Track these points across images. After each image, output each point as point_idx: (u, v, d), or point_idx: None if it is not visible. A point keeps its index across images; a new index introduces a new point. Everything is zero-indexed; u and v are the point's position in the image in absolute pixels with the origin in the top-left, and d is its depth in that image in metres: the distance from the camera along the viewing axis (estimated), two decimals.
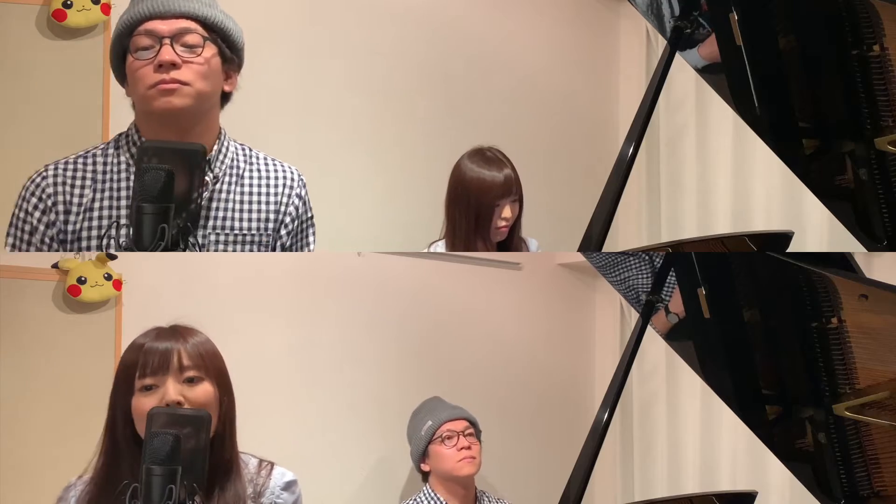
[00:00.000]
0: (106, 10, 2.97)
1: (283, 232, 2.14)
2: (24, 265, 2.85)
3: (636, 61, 4.02)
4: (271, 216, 2.13)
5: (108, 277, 2.91)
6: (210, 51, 2.02)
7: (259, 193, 2.13)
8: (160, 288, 2.97)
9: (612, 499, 3.96)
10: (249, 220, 2.10)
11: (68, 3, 2.94)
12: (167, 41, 1.98)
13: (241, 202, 2.11)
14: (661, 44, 3.70)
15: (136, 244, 1.73)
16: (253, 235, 2.10)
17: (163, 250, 1.72)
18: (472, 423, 3.07)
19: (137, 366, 1.77)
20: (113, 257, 2.90)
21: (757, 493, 2.84)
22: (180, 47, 1.99)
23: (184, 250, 1.77)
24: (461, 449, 2.99)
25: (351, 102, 3.48)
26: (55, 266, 2.89)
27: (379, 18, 3.53)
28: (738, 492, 3.16)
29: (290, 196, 2.15)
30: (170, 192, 1.73)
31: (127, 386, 1.78)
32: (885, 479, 2.09)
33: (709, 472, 3.69)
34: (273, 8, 3.32)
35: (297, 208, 2.16)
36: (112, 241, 2.01)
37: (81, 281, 2.88)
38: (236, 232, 2.08)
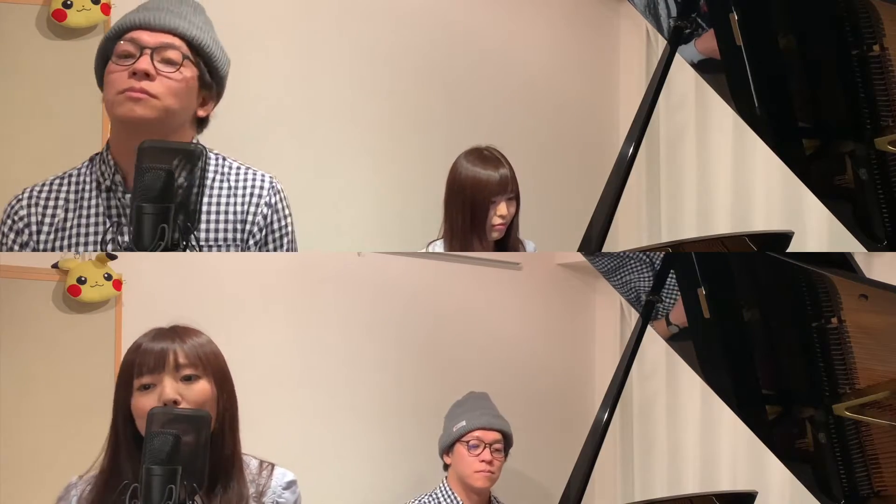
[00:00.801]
0: (106, 10, 2.97)
1: (250, 242, 2.12)
2: (24, 265, 2.85)
3: (636, 61, 4.02)
4: (238, 226, 2.11)
5: (108, 277, 2.91)
6: (189, 71, 2.02)
7: (227, 204, 2.11)
8: (160, 288, 2.97)
9: (612, 499, 3.96)
10: (216, 230, 2.09)
11: (68, 3, 2.94)
12: (147, 52, 1.98)
13: (208, 212, 2.10)
14: (661, 44, 3.70)
15: (136, 244, 1.73)
16: (220, 246, 2.09)
17: (163, 250, 1.72)
18: (505, 437, 3.08)
19: (135, 365, 1.78)
20: (113, 257, 2.90)
21: (757, 493, 2.84)
22: (159, 61, 1.99)
23: (184, 250, 1.77)
24: (482, 461, 3.01)
25: (351, 103, 3.48)
26: (55, 266, 2.89)
27: (379, 19, 3.53)
28: (738, 492, 3.16)
29: (257, 206, 2.12)
30: (170, 192, 1.73)
31: (126, 386, 1.80)
32: (885, 479, 2.09)
33: (709, 472, 3.69)
34: (273, 8, 3.32)
35: (265, 217, 2.13)
36: (112, 242, 2.01)
37: (81, 281, 2.88)
38: (201, 243, 2.07)
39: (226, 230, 2.10)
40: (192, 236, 1.77)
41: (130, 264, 2.93)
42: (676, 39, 2.27)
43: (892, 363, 1.95)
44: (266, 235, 2.14)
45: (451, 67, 3.67)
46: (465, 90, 3.69)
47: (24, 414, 2.83)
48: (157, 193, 1.72)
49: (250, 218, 2.11)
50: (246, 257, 2.68)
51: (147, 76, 1.97)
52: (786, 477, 3.06)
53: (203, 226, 2.08)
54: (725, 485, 3.59)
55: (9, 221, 2.09)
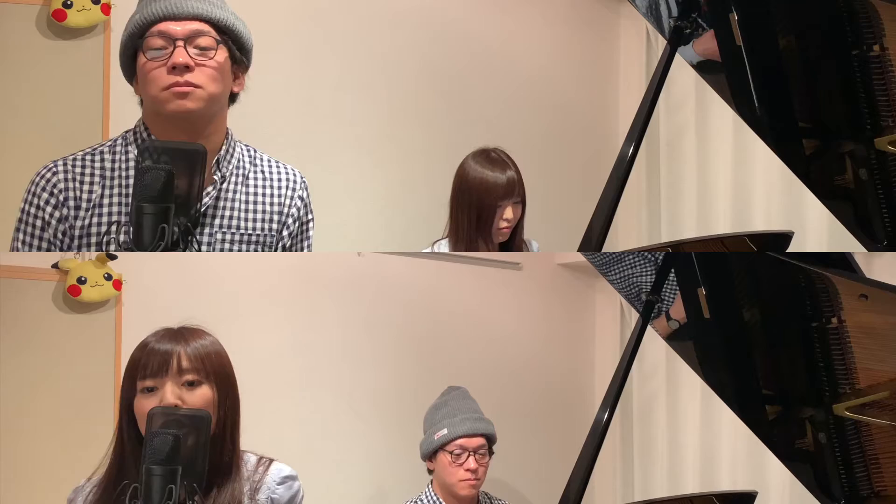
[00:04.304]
0: (106, 10, 2.97)
1: (284, 233, 2.16)
2: (24, 265, 2.85)
3: (636, 61, 4.02)
4: (275, 217, 2.14)
5: (108, 277, 2.91)
6: (222, 54, 2.04)
7: (263, 195, 2.15)
8: (160, 288, 2.97)
9: (612, 499, 3.96)
10: (254, 220, 2.12)
11: (68, 3, 2.94)
12: (181, 43, 1.99)
13: (247, 202, 2.13)
14: (661, 44, 3.70)
15: (137, 244, 1.73)
16: (258, 235, 2.12)
17: (163, 250, 1.72)
18: (489, 439, 3.00)
19: (139, 366, 1.79)
20: (113, 257, 2.90)
21: (757, 493, 2.84)
22: (193, 49, 2.00)
23: (184, 250, 1.77)
24: (467, 470, 2.93)
25: (351, 103, 3.48)
26: (55, 266, 2.89)
27: (380, 19, 3.53)
28: (738, 492, 3.16)
29: (292, 198, 2.17)
30: (170, 192, 1.73)
31: (131, 385, 1.80)
32: (885, 479, 2.09)
33: (709, 472, 3.69)
34: (275, 8, 3.32)
35: (298, 209, 2.18)
36: (112, 241, 2.01)
37: (81, 281, 2.88)
38: (242, 231, 2.10)
39: (264, 220, 2.13)
40: (194, 236, 1.77)
41: (130, 264, 2.93)
42: (676, 40, 2.27)
43: (892, 363, 1.95)
44: (299, 227, 2.19)
45: (452, 67, 3.67)
46: (465, 90, 3.69)
47: (24, 414, 2.83)
48: (157, 193, 1.73)
49: (286, 210, 2.16)
50: (246, 257, 2.67)
51: (187, 68, 1.98)
52: (786, 477, 3.06)
53: (243, 215, 2.11)
54: (725, 485, 3.59)
55: (44, 195, 2.05)
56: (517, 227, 2.88)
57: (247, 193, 2.13)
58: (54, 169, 2.07)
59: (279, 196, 2.15)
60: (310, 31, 3.42)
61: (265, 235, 2.13)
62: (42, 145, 2.92)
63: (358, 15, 3.49)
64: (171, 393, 1.76)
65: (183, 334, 1.83)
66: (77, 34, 2.99)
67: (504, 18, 3.79)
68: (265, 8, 3.29)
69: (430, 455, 3.01)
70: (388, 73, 3.55)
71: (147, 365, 1.78)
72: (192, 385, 1.79)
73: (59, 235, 2.05)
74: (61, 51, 2.98)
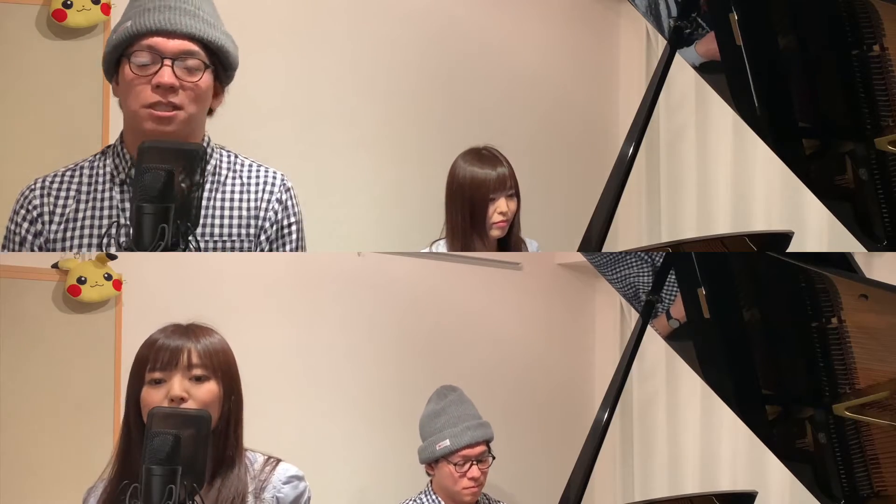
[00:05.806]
0: (106, 10, 2.97)
1: (262, 237, 2.13)
2: (24, 265, 2.86)
3: (636, 61, 4.02)
4: (251, 221, 2.12)
5: (108, 277, 2.91)
6: (208, 77, 2.02)
7: (239, 199, 2.12)
8: (160, 288, 2.97)
9: (612, 499, 3.96)
10: (229, 225, 2.10)
11: (68, 3, 2.94)
12: (168, 62, 1.97)
13: (222, 208, 2.11)
14: (661, 44, 3.70)
15: (136, 244, 1.73)
16: (233, 241, 2.10)
17: (163, 250, 1.72)
18: (488, 442, 2.98)
19: (148, 360, 1.81)
20: (113, 257, 2.90)
21: (757, 493, 2.84)
22: (180, 69, 1.98)
23: (184, 250, 1.77)
24: (471, 478, 2.92)
25: (351, 103, 3.48)
26: (55, 266, 2.89)
27: (379, 19, 3.53)
28: (738, 492, 3.16)
29: (268, 201, 2.13)
30: (170, 192, 1.73)
31: (138, 379, 1.82)
32: (885, 479, 2.09)
33: (709, 472, 3.69)
34: (274, 8, 3.32)
35: (276, 213, 2.14)
36: (112, 241, 2.02)
37: (81, 281, 2.88)
38: (216, 238, 2.09)
39: (239, 225, 2.11)
40: (194, 236, 1.77)
41: (130, 264, 2.93)
42: (676, 40, 2.27)
43: (892, 363, 1.95)
44: (277, 231, 2.15)
45: (451, 67, 3.67)
46: (465, 90, 3.69)
47: (24, 414, 2.83)
48: (157, 193, 1.72)
49: (262, 214, 2.13)
50: (246, 257, 2.68)
51: (171, 89, 1.97)
52: (786, 477, 3.06)
53: (217, 221, 2.10)
54: (725, 485, 3.59)
55: (22, 211, 2.09)
56: (514, 224, 2.88)
57: (222, 199, 2.11)
58: (32, 186, 2.11)
59: (255, 200, 2.12)
60: (308, 30, 3.41)
61: (241, 240, 2.10)
62: (42, 145, 2.92)
63: (357, 15, 3.49)
64: (178, 386, 1.79)
65: (193, 331, 1.86)
66: (77, 34, 2.99)
67: (503, 19, 3.79)
68: (263, 7, 3.29)
69: (430, 462, 3.00)
70: (388, 72, 3.55)
71: (157, 358, 1.80)
72: (199, 380, 1.81)
73: (35, 250, 2.08)
74: (61, 51, 2.98)
